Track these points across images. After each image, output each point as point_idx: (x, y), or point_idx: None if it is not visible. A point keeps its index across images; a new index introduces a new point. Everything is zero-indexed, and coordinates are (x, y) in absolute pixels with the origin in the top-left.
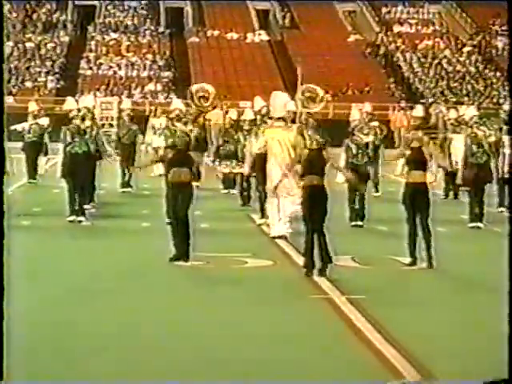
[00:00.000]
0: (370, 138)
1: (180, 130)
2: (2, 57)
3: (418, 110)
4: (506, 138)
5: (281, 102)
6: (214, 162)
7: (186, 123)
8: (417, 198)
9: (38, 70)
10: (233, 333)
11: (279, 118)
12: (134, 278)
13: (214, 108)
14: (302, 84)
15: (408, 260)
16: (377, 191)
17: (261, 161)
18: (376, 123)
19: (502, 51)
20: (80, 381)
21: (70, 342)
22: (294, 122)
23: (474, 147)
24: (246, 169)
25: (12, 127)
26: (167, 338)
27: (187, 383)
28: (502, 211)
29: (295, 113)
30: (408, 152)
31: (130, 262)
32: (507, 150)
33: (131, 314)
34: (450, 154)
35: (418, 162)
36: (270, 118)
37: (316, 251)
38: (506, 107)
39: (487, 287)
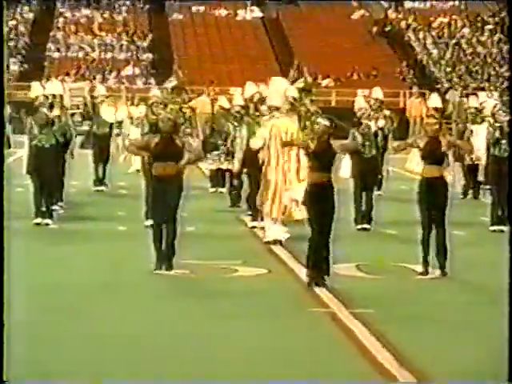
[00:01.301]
0: (380, 124)
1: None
2: (2, 57)
3: (435, 100)
4: None
5: (278, 88)
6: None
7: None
8: (434, 196)
9: None
10: (220, 350)
11: (277, 107)
12: (110, 291)
13: (200, 95)
14: (298, 74)
15: (420, 268)
16: (379, 189)
17: (253, 155)
18: (387, 112)
19: None
20: (80, 380)
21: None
22: (294, 110)
23: (498, 133)
24: (236, 165)
25: None
26: (150, 353)
27: (186, 383)
28: None
29: (296, 100)
30: (422, 143)
31: (104, 273)
32: None
33: (112, 330)
34: None
35: (434, 154)
36: (268, 108)
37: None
38: None
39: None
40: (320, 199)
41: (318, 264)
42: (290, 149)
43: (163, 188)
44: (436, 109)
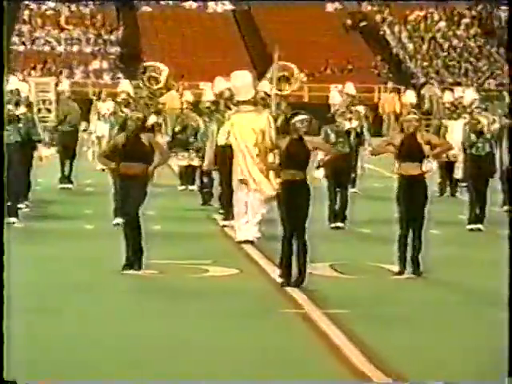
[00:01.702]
0: (354, 125)
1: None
2: (2, 56)
3: (410, 96)
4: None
5: (245, 82)
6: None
7: (135, 109)
8: (413, 195)
9: None
10: (189, 351)
11: (246, 102)
12: (79, 291)
13: (169, 90)
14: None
15: (396, 268)
16: (353, 187)
17: (224, 152)
18: (361, 107)
19: (506, 23)
20: (81, 380)
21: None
22: (265, 106)
23: (474, 136)
24: (206, 162)
25: None
26: (117, 354)
27: (183, 383)
28: (507, 210)
29: (268, 95)
30: (399, 140)
31: (71, 273)
32: None
33: (79, 333)
34: None
35: (412, 151)
36: (236, 104)
37: (294, 258)
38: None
39: (487, 300)
40: (291, 198)
41: (289, 265)
42: (256, 145)
43: (127, 186)
44: (410, 105)
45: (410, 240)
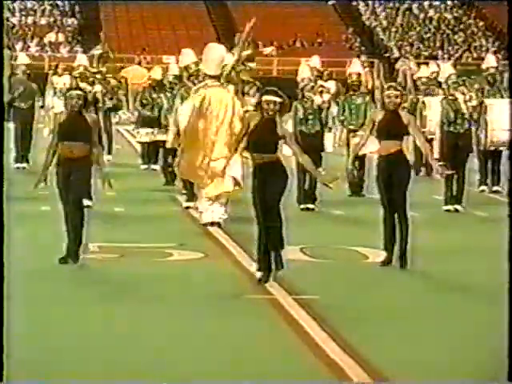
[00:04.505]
0: (325, 98)
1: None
2: (2, 56)
3: (355, 65)
4: (489, 102)
5: (217, 56)
6: (134, 129)
7: (93, 83)
8: (394, 174)
9: None
10: (150, 340)
11: (214, 77)
12: (35, 278)
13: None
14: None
15: (382, 256)
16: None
17: (191, 129)
18: (333, 82)
19: None
20: (80, 380)
21: None
22: (229, 81)
23: (452, 114)
24: (169, 138)
25: None
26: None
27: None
28: (483, 190)
29: (235, 70)
30: (380, 117)
31: (28, 259)
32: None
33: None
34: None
35: (393, 128)
36: (201, 79)
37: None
38: (488, 62)
39: (462, 285)
40: (263, 178)
41: (267, 255)
42: (222, 124)
43: (68, 172)
44: (354, 74)
45: (397, 226)
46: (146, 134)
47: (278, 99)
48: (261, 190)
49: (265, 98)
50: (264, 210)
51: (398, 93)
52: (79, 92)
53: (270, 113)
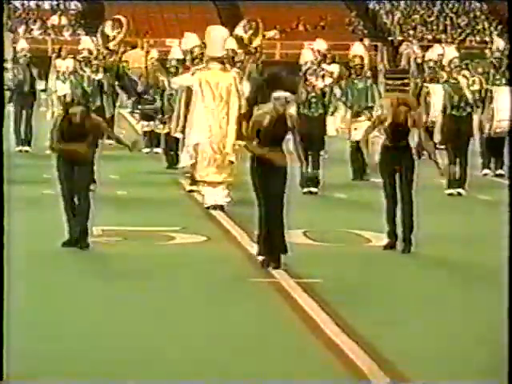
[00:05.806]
0: (327, 82)
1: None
2: (2, 56)
3: (358, 48)
4: (496, 89)
5: (219, 38)
6: (132, 113)
7: (97, 69)
8: (398, 157)
9: None
10: (153, 323)
11: (216, 59)
12: (38, 263)
13: (134, 48)
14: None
15: (384, 241)
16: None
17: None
18: (336, 66)
19: None
20: (80, 380)
21: None
22: (231, 64)
23: (456, 97)
24: (173, 124)
25: None
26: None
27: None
28: (486, 174)
29: (236, 53)
30: (389, 120)
31: (33, 243)
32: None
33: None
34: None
35: (401, 130)
36: (206, 61)
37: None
38: (495, 46)
39: (464, 269)
40: (268, 174)
41: (271, 241)
42: (224, 107)
43: (70, 168)
44: (360, 57)
45: (399, 212)
46: (147, 125)
47: (288, 95)
48: (265, 178)
49: (276, 94)
50: (267, 196)
51: (407, 108)
52: (82, 108)
53: (282, 110)
